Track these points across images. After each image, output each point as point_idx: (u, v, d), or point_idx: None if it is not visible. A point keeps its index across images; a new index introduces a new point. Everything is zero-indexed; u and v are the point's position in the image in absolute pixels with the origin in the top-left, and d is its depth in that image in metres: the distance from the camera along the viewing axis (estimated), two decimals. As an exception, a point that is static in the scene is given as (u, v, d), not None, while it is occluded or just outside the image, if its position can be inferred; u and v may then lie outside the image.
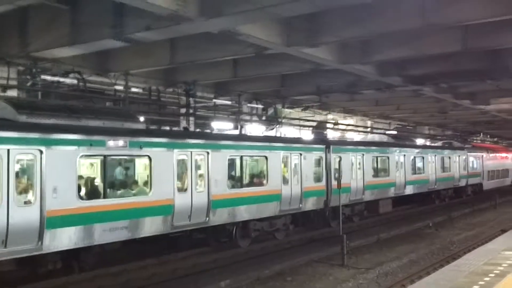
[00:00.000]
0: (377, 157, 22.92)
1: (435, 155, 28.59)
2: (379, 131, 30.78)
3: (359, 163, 21.37)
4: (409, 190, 25.48)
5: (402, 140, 27.82)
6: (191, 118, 19.85)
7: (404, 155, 25.12)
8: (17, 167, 9.91)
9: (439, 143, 35.37)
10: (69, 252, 11.07)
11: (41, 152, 10.14)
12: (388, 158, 23.78)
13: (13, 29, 14.03)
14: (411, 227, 21.67)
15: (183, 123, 19.81)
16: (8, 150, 9.64)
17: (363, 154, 21.62)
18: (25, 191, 10.05)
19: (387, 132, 31.50)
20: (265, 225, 16.83)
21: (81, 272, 12.02)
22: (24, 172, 10.15)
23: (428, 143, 35.50)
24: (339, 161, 18.87)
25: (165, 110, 20.88)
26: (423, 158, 27.26)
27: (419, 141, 34.21)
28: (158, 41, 14.24)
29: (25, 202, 9.95)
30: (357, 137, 29.83)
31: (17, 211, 9.64)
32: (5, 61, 13.67)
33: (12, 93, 14.52)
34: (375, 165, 22.76)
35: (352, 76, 19.33)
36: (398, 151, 24.68)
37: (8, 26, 14.09)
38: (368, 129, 31.85)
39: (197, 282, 12.42)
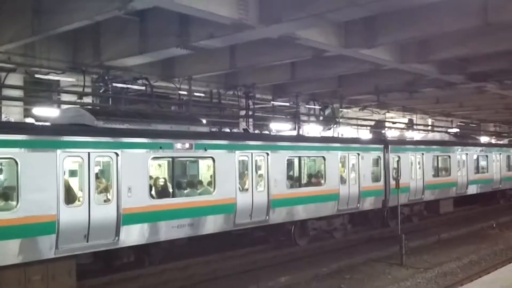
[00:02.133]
0: (437, 156, 22.49)
1: (500, 154, 27.55)
2: (440, 129, 30.03)
3: (419, 163, 21.09)
4: (471, 189, 24.77)
5: (464, 138, 27.05)
6: (250, 120, 20.45)
7: (467, 154, 24.45)
8: (96, 169, 10.85)
9: (505, 141, 33.94)
10: (140, 246, 11.86)
11: (117, 154, 11.02)
12: (449, 157, 23.26)
13: (87, 40, 15.21)
14: (473, 227, 21.11)
15: (243, 125, 20.46)
16: (89, 153, 10.59)
17: (422, 153, 21.32)
18: (103, 190, 10.99)
19: (449, 130, 30.65)
20: (323, 224, 17.08)
21: (151, 266, 12.83)
22: (103, 173, 11.11)
23: (493, 141, 34.18)
24: (398, 161, 18.73)
25: (225, 112, 21.62)
26: (487, 156, 26.36)
27: (484, 139, 33.01)
28: (219, 47, 14.92)
29: (104, 201, 10.87)
30: (417, 135, 29.28)
31: (97, 209, 10.56)
32: (81, 70, 14.79)
33: (87, 99, 15.72)
34: (436, 164, 22.35)
35: (411, 75, 19.19)
36: (460, 149, 24.07)
37: (83, 38, 15.29)
38: (429, 127, 31.15)
39: (257, 277, 12.80)
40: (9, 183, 9.87)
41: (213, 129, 15.98)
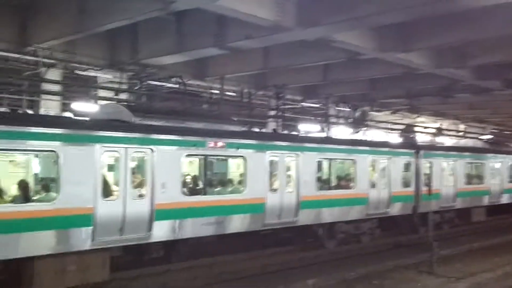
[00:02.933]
0: (470, 163, 22.07)
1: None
2: (472, 135, 29.41)
3: (451, 169, 20.75)
4: (506, 198, 24.19)
5: (498, 146, 26.41)
6: (279, 120, 20.45)
7: (501, 162, 23.90)
8: (132, 164, 11.08)
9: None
10: (169, 242, 12.03)
11: (152, 151, 11.25)
12: (483, 164, 22.79)
13: (125, 39, 15.56)
14: (507, 237, 20.61)
15: (271, 125, 20.51)
16: (126, 149, 10.84)
17: (455, 160, 20.96)
18: (138, 185, 11.21)
19: (482, 136, 29.98)
20: (351, 228, 16.97)
21: (179, 262, 13.01)
22: (138, 168, 11.31)
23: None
24: (430, 167, 18.45)
25: (254, 112, 21.70)
26: (522, 165, 25.68)
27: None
28: (253, 48, 15.04)
29: (139, 196, 11.10)
30: (448, 141, 28.76)
31: (132, 203, 10.80)
32: (118, 67, 15.13)
33: (123, 96, 16.06)
34: (468, 172, 21.93)
35: (446, 80, 18.94)
36: (494, 157, 23.55)
37: (121, 37, 15.66)
38: (460, 133, 30.57)
39: (285, 278, 12.80)
40: (50, 175, 10.18)
41: (243, 129, 16.10)
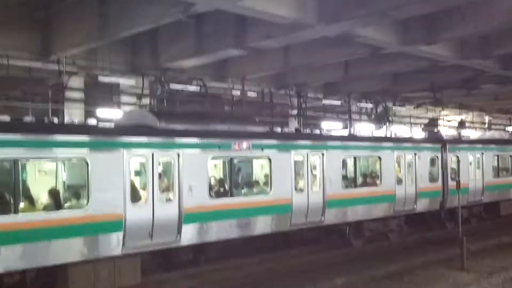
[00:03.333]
0: (498, 155, 21.62)
1: None
2: (498, 127, 28.82)
3: (478, 162, 20.37)
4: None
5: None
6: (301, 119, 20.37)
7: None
8: (159, 169, 11.14)
9: None
10: (198, 245, 12.07)
11: (178, 154, 11.29)
12: (511, 156, 22.31)
13: (145, 44, 15.64)
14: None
15: (292, 124, 20.42)
16: (153, 154, 10.90)
17: (482, 153, 20.56)
18: (166, 189, 11.27)
19: (508, 128, 29.36)
20: (379, 226, 16.81)
21: (207, 264, 13.03)
22: (165, 173, 11.39)
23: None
24: (458, 161, 18.13)
25: (275, 111, 21.62)
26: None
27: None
28: (273, 47, 14.94)
29: (166, 200, 11.15)
30: (473, 134, 28.21)
31: (160, 208, 10.85)
32: (140, 72, 15.22)
33: (145, 101, 16.18)
34: (496, 164, 21.49)
35: (471, 71, 18.55)
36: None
37: (141, 42, 15.73)
38: (485, 126, 30.00)
39: (313, 278, 12.76)
40: (80, 182, 10.28)
41: (265, 129, 16.02)
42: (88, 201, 9.88)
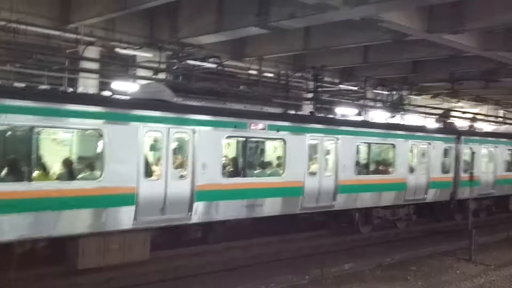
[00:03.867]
0: (510, 149, 21.38)
1: None
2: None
3: (491, 156, 20.15)
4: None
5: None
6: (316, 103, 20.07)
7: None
8: (174, 145, 11.03)
9: None
10: (208, 223, 12.01)
11: (193, 131, 11.17)
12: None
13: (165, 17, 15.38)
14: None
15: (306, 108, 20.16)
16: (168, 129, 10.79)
17: (496, 146, 20.34)
18: (180, 166, 11.17)
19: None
20: (388, 213, 16.74)
21: (215, 243, 12.99)
22: (180, 149, 11.25)
23: None
24: (472, 153, 17.93)
25: (290, 94, 21.36)
26: None
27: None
28: (294, 28, 14.64)
29: (180, 176, 11.06)
30: (487, 127, 27.88)
31: (173, 184, 10.78)
32: (158, 46, 15.01)
33: (161, 75, 15.99)
34: (510, 159, 21.26)
35: (492, 63, 18.19)
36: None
37: (160, 15, 15.49)
38: (500, 119, 29.61)
39: (321, 262, 12.74)
40: (94, 154, 10.21)
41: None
42: (102, 173, 9.82)
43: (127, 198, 10.10)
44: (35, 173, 9.35)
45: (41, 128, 9.49)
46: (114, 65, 17.00)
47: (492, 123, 28.52)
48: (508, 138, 21.61)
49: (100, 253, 10.06)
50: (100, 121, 9.87)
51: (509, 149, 21.27)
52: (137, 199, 10.20)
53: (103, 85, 17.19)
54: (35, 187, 9.11)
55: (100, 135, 9.88)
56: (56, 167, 10.06)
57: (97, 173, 9.93)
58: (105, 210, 9.87)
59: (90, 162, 10.18)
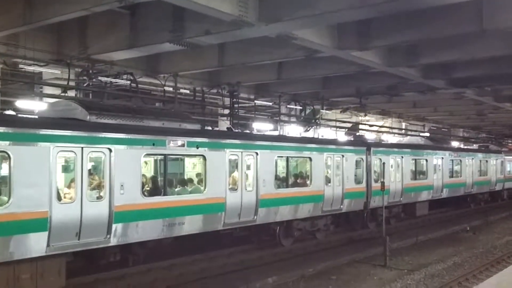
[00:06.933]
0: (415, 159, 22.96)
1: (473, 158, 28.39)
2: (414, 133, 30.72)
3: (398, 166, 21.47)
4: (446, 193, 25.41)
5: (438, 143, 27.72)
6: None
7: (442, 158, 25.07)
8: (89, 165, 10.50)
9: (474, 146, 34.98)
10: (126, 245, 11.53)
11: (110, 150, 10.71)
12: (427, 160, 23.79)
13: (73, 32, 14.71)
14: (448, 230, 21.63)
15: (223, 123, 20.21)
16: (82, 149, 10.24)
17: (402, 157, 21.70)
18: (97, 187, 10.65)
19: (422, 134, 31.39)
20: (307, 225, 17.15)
21: (135, 265, 12.51)
22: (95, 169, 10.76)
23: (462, 146, 35.20)
24: (383, 163, 18.98)
25: (207, 110, 21.32)
26: (460, 161, 27.11)
27: (454, 144, 33.95)
28: (208, 44, 14.65)
29: (97, 198, 10.54)
30: (391, 139, 29.82)
31: (89, 206, 10.22)
32: (66, 62, 14.31)
33: (71, 93, 15.20)
34: (414, 168, 22.82)
35: (395, 78, 19.51)
36: (436, 154, 24.66)
37: (69, 30, 14.78)
38: (403, 131, 31.83)
39: (245, 278, 12.73)
40: (1, 177, 9.42)
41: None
42: (9, 198, 9.07)
43: (39, 224, 9.40)
44: None
45: None
46: (17, 83, 15.87)
47: (396, 135, 30.61)
48: (411, 149, 23.21)
49: (10, 283, 9.22)
50: (6, 143, 9.14)
51: (413, 159, 22.78)
52: (50, 224, 9.53)
53: (6, 104, 16.01)
54: None
55: (6, 158, 9.14)
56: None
57: (4, 198, 9.17)
58: (13, 238, 9.09)
59: (-4, 187, 9.37)
